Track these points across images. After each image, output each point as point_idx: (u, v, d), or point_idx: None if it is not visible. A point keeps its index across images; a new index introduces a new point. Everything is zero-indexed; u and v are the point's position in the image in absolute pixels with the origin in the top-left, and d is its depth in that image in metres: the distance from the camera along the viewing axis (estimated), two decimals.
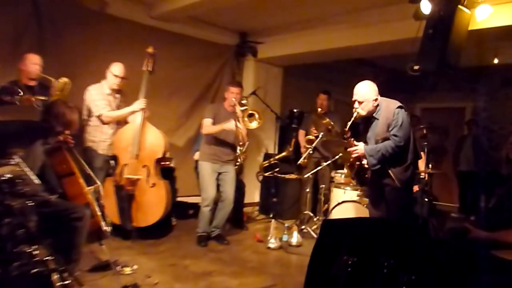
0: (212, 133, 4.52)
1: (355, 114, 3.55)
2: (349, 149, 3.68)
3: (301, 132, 5.92)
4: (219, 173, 4.61)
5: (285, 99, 7.20)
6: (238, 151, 4.98)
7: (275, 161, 6.14)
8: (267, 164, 6.24)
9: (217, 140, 4.57)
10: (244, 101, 5.15)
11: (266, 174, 6.24)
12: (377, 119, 3.56)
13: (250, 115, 4.74)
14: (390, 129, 3.49)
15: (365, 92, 3.54)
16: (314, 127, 5.49)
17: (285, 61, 6.82)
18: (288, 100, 7.22)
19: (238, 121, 4.41)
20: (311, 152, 5.32)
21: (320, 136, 5.19)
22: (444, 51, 3.65)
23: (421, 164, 4.80)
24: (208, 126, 4.53)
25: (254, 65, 6.76)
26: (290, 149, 6.15)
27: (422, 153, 4.36)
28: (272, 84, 6.98)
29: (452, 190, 7.78)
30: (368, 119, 3.64)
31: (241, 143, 4.76)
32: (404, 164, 3.51)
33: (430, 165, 5.10)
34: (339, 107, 7.25)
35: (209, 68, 6.31)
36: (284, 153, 6.23)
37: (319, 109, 5.56)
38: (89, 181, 3.48)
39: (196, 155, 5.06)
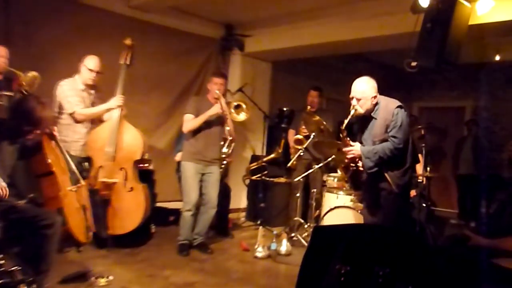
0: (196, 127, 4.50)
1: (352, 112, 3.56)
2: (344, 149, 3.71)
3: (291, 132, 5.95)
4: (202, 174, 4.60)
5: (274, 97, 7.22)
6: (224, 149, 4.99)
7: (263, 164, 6.16)
8: (254, 167, 6.25)
9: (201, 137, 4.56)
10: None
11: (253, 177, 6.25)
12: (375, 118, 3.59)
13: (237, 107, 4.74)
14: (388, 130, 3.52)
15: (364, 89, 3.55)
16: (305, 126, 5.52)
17: (274, 55, 6.82)
18: (277, 98, 7.25)
19: (224, 114, 4.43)
20: (301, 153, 5.32)
21: (312, 136, 5.22)
22: (443, 46, 3.69)
23: (419, 167, 4.86)
24: (189, 121, 4.52)
25: (240, 59, 6.77)
26: (279, 151, 6.16)
27: (419, 155, 4.42)
28: (260, 81, 6.99)
29: (451, 195, 7.88)
30: (365, 119, 3.65)
31: (230, 138, 4.76)
32: (402, 168, 3.55)
33: (428, 168, 5.14)
34: (332, 105, 7.31)
35: (192, 63, 6.30)
36: (272, 155, 6.22)
37: (309, 107, 5.59)
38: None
39: (178, 156, 5.06)
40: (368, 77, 3.62)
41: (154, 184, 5.28)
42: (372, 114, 3.60)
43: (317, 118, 5.11)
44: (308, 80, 7.09)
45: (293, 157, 5.46)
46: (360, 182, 3.85)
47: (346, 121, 3.57)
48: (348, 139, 3.67)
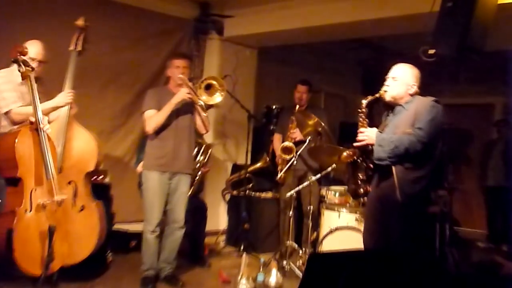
0: (162, 122, 4.49)
1: (380, 92, 3.75)
2: (358, 131, 3.81)
3: (277, 137, 6.00)
4: (169, 186, 4.61)
5: (260, 92, 7.22)
6: (199, 156, 4.99)
7: (247, 175, 6.16)
8: (236, 179, 6.30)
9: (168, 137, 4.57)
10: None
11: (235, 192, 6.31)
12: (404, 108, 3.74)
13: (208, 87, 4.64)
14: (417, 122, 3.60)
15: (405, 72, 3.76)
16: (298, 129, 5.55)
17: (261, 41, 6.83)
18: (265, 93, 7.25)
19: (194, 100, 4.45)
20: (294, 162, 5.35)
21: (307, 141, 5.24)
22: (466, 30, 3.73)
23: None
24: (152, 117, 4.50)
25: (219, 46, 6.78)
26: (268, 159, 6.20)
27: None
28: (243, 72, 6.98)
29: (477, 212, 7.93)
30: (392, 109, 3.81)
31: (204, 132, 4.77)
32: (416, 172, 3.59)
33: (449, 179, 5.25)
34: (330, 103, 7.35)
35: (159, 49, 6.30)
36: (259, 164, 6.26)
37: (298, 106, 5.64)
38: None
39: (140, 167, 5.01)
40: (413, 66, 3.81)
41: (111, 201, 5.28)
42: (402, 104, 3.75)
43: (315, 119, 5.14)
44: (302, 71, 7.12)
45: (281, 169, 5.49)
46: (361, 186, 3.95)
47: (369, 98, 3.74)
48: (367, 120, 3.81)
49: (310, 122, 5.20)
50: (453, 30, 3.75)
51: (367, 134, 3.74)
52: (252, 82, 7.16)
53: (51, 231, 3.58)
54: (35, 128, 3.69)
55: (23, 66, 3.78)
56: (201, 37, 6.71)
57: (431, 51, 3.81)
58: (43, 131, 3.74)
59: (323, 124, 5.11)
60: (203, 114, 4.53)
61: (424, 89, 3.75)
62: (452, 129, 6.93)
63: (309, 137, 5.24)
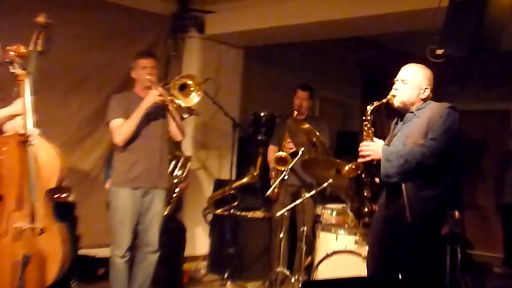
0: (131, 132, 4.48)
1: (388, 96, 3.72)
2: (361, 145, 3.78)
3: (272, 149, 6.02)
4: (141, 204, 4.60)
5: (247, 97, 7.23)
6: (177, 170, 5.02)
7: (232, 192, 6.12)
8: (219, 197, 6.28)
9: (138, 149, 4.56)
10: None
11: (218, 211, 6.28)
12: (416, 115, 3.71)
13: (183, 87, 4.63)
14: (430, 132, 3.58)
15: (416, 73, 3.74)
16: (290, 139, 5.55)
17: (247, 39, 6.85)
18: (252, 99, 7.28)
19: (165, 102, 4.44)
20: (285, 177, 5.29)
21: (300, 152, 5.20)
22: (478, 28, 3.74)
23: None
24: (120, 127, 4.49)
25: (199, 45, 6.81)
26: (255, 173, 6.20)
27: None
28: (228, 74, 6.99)
29: (493, 233, 7.90)
30: (401, 117, 3.80)
31: (180, 139, 4.78)
32: (430, 190, 3.57)
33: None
34: (326, 109, 7.36)
35: (131, 50, 6.09)
36: (245, 179, 6.25)
37: (296, 113, 5.66)
38: None
39: (110, 183, 4.96)
40: (425, 66, 3.79)
41: (76, 222, 5.26)
42: (414, 110, 3.72)
43: (306, 126, 5.14)
44: (295, 73, 7.17)
45: (274, 182, 5.45)
46: (364, 206, 3.93)
47: (375, 104, 3.73)
48: (372, 130, 3.78)
49: (303, 128, 5.19)
50: (463, 28, 3.76)
51: (373, 149, 3.71)
52: (237, 86, 7.17)
53: (25, 261, 3.54)
54: (23, 141, 3.62)
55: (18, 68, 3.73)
56: (179, 36, 6.72)
57: (439, 51, 3.82)
58: (31, 145, 3.67)
59: (317, 134, 5.09)
60: (178, 118, 4.53)
61: (431, 93, 3.78)
62: (463, 139, 6.94)
63: (302, 148, 5.20)
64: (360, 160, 3.80)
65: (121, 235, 4.52)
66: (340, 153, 6.03)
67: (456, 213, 5.31)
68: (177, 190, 5.59)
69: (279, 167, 5.48)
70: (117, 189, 4.58)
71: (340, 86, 8.88)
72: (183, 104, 4.58)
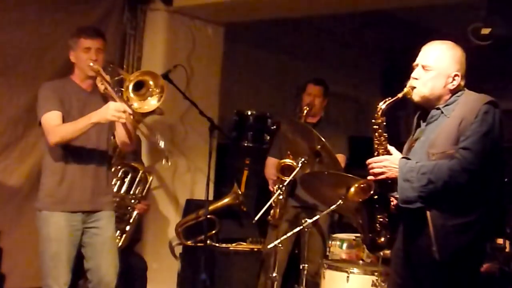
0: (71, 138, 4.41)
1: (405, 89, 3.63)
2: (370, 161, 3.70)
3: (272, 163, 6.05)
4: (84, 232, 4.58)
5: (229, 91, 7.21)
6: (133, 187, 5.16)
7: (209, 216, 6.06)
8: (192, 223, 6.24)
9: (74, 162, 4.54)
10: (109, 69, 5.07)
11: (190, 242, 6.23)
12: (445, 115, 3.59)
13: (138, 86, 4.53)
14: (462, 138, 3.45)
15: (442, 56, 3.62)
16: (287, 147, 5.64)
17: (228, 13, 6.90)
18: (236, 93, 7.32)
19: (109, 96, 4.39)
20: (281, 195, 5.37)
21: (300, 164, 5.16)
22: None
23: None
24: (59, 126, 4.42)
25: (166, 20, 6.80)
26: (239, 192, 6.21)
27: None
28: (204, 60, 7.02)
29: None
30: (425, 114, 3.71)
31: (129, 148, 4.81)
32: (459, 218, 3.46)
33: (510, 222, 5.39)
34: (334, 106, 7.35)
35: (73, 27, 6.05)
36: (227, 199, 6.28)
37: (305, 113, 5.71)
38: None
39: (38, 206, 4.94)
40: (454, 44, 3.68)
41: (0, 257, 5.41)
42: (441, 106, 3.61)
43: (308, 128, 5.13)
44: (293, 61, 7.28)
45: (276, 203, 5.53)
46: (381, 235, 3.87)
47: (389, 100, 3.64)
48: (386, 136, 3.70)
49: (303, 135, 5.17)
50: None
51: (386, 164, 3.61)
52: (216, 75, 7.16)
53: None
54: None
55: None
56: (139, 8, 6.72)
57: (485, 31, 3.87)
58: None
59: (323, 139, 5.00)
60: (130, 125, 4.47)
61: (472, 88, 3.69)
62: (510, 148, 6.84)
63: (302, 159, 5.15)
64: (370, 178, 3.75)
65: (55, 272, 4.46)
66: (352, 166, 5.91)
67: (508, 245, 5.20)
68: (134, 214, 5.58)
69: (284, 178, 5.43)
70: (48, 214, 4.51)
71: (353, 77, 8.94)
72: (137, 109, 4.48)
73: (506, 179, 5.00)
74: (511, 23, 3.83)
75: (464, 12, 3.93)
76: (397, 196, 3.62)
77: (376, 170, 3.65)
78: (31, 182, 5.82)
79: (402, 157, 3.62)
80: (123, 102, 4.35)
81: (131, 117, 4.40)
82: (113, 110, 4.26)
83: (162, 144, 4.46)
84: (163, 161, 4.59)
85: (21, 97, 5.92)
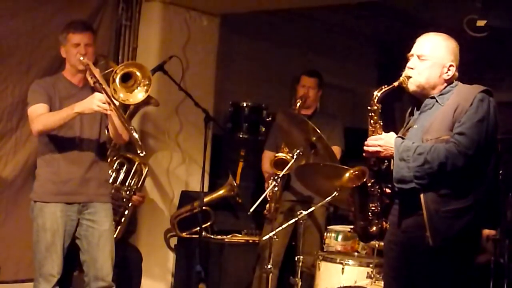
0: (52, 127, 4.48)
1: (401, 78, 3.69)
2: (368, 140, 3.76)
3: (268, 156, 6.07)
4: (78, 224, 4.63)
5: (224, 82, 7.26)
6: (129, 179, 5.19)
7: (204, 208, 6.08)
8: (187, 215, 6.24)
9: (69, 153, 4.60)
10: (102, 62, 5.25)
11: (185, 234, 6.22)
12: (438, 101, 3.67)
13: (126, 78, 4.58)
14: (457, 124, 3.52)
15: (437, 47, 3.69)
16: (282, 138, 5.71)
17: (224, 4, 6.91)
18: (231, 84, 7.33)
19: (108, 95, 4.38)
20: (275, 187, 5.37)
21: (295, 156, 5.21)
22: None
23: None
24: (42, 115, 4.48)
25: (161, 12, 6.81)
26: (235, 184, 6.23)
27: None
28: (199, 51, 7.03)
29: None
30: (418, 105, 3.78)
31: (122, 141, 4.88)
32: (454, 202, 3.51)
33: (507, 215, 5.40)
34: (330, 97, 7.35)
35: (66, 19, 5.88)
36: (222, 191, 6.30)
37: (298, 105, 5.76)
38: None
39: (33, 197, 4.97)
40: (448, 36, 3.75)
41: None
42: (435, 95, 3.69)
43: (303, 120, 5.20)
44: (289, 52, 7.26)
45: (271, 196, 5.56)
46: (372, 224, 3.87)
47: (385, 88, 3.70)
48: (381, 123, 3.76)
49: (298, 126, 5.24)
50: None
51: (381, 144, 3.68)
52: (211, 67, 7.17)
53: None
54: None
55: None
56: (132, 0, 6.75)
57: (481, 23, 3.90)
58: None
59: (318, 131, 5.09)
60: (120, 114, 4.50)
61: (468, 80, 3.74)
62: (509, 140, 6.85)
63: (297, 151, 5.20)
64: (366, 155, 3.78)
65: (49, 265, 4.51)
66: (347, 158, 5.94)
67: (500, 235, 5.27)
68: (129, 205, 5.64)
69: (277, 172, 5.43)
70: (42, 206, 4.56)
71: (349, 68, 8.94)
72: (123, 101, 4.55)
73: (500, 171, 5.09)
74: (506, 15, 3.88)
75: (460, 3, 3.99)
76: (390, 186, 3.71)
77: (371, 149, 3.71)
78: (25, 173, 5.91)
79: (398, 136, 3.67)
80: (111, 94, 4.40)
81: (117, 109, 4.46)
82: (98, 101, 4.34)
83: (135, 135, 4.47)
84: (138, 152, 4.58)
85: (16, 88, 5.94)
